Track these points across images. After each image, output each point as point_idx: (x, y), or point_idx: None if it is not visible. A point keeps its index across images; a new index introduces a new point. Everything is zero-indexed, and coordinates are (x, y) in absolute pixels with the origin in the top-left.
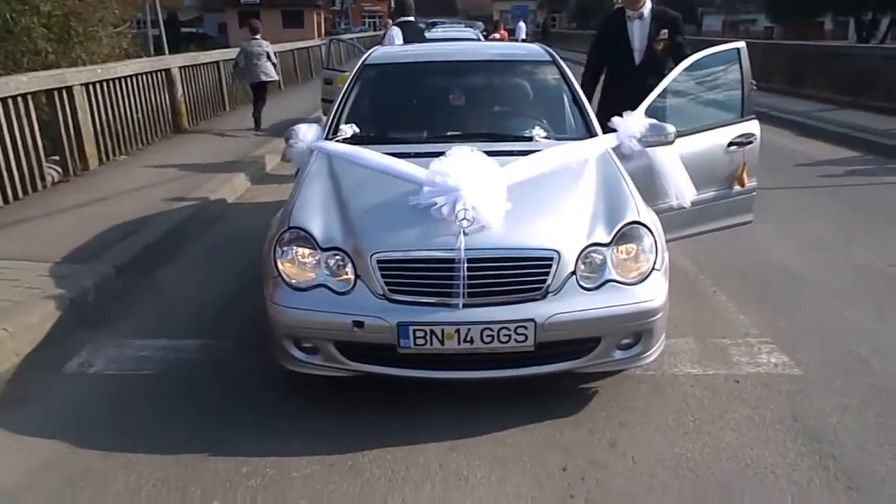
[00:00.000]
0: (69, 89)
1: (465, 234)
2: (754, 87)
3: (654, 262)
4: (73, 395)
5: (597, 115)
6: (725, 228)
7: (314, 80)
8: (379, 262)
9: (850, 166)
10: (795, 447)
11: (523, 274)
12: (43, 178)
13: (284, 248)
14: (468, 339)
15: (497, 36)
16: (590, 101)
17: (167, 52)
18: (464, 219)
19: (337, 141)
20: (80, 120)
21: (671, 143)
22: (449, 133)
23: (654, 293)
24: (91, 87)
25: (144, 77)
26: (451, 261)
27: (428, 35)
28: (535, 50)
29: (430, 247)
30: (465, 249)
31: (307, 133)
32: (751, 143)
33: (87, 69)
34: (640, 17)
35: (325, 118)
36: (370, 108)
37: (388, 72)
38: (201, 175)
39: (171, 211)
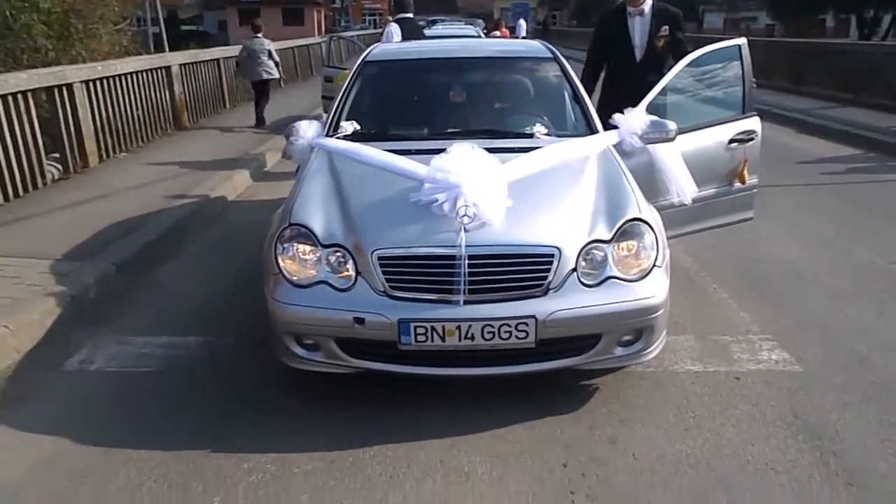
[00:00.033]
0: (69, 86)
1: (465, 230)
2: (754, 85)
3: (656, 259)
4: (74, 392)
5: (597, 112)
6: (726, 225)
7: (314, 78)
8: (380, 258)
9: (851, 164)
10: (796, 444)
11: (524, 271)
12: (43, 176)
13: (285, 245)
14: (469, 335)
15: (498, 34)
16: (590, 97)
17: (167, 49)
18: (465, 215)
19: (338, 138)
20: (80, 117)
21: (672, 139)
22: (450, 130)
23: (655, 290)
24: (91, 84)
25: (145, 74)
26: (452, 257)
27: (428, 33)
28: (536, 46)
29: (430, 243)
30: (466, 246)
31: (308, 130)
32: (752, 139)
33: (88, 66)
34: (641, 13)
35: (325, 115)
36: (371, 104)
37: (389, 68)
38: (201, 172)
39: (172, 208)
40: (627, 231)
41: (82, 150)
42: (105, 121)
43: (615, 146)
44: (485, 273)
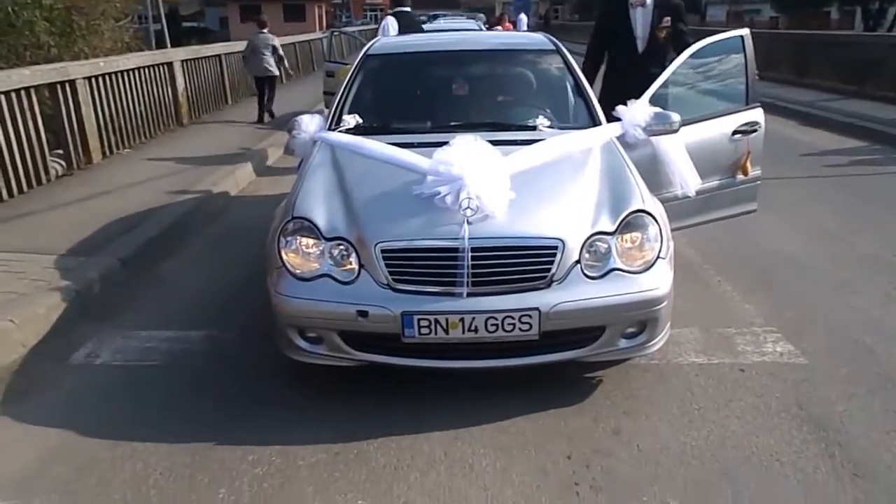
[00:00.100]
0: (72, 83)
1: (468, 223)
2: (757, 77)
3: (659, 251)
4: (80, 386)
5: (599, 104)
6: (730, 218)
7: (316, 74)
8: (383, 251)
9: (855, 156)
10: (801, 435)
11: (527, 263)
12: (47, 172)
13: (288, 239)
14: (472, 328)
15: (500, 29)
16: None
17: (169, 46)
18: (467, 208)
19: (340, 131)
20: (83, 113)
21: (676, 131)
22: (452, 123)
23: (658, 282)
24: (94, 80)
25: (147, 70)
26: (455, 250)
27: (429, 27)
28: (539, 39)
29: (433, 236)
30: (469, 238)
31: (310, 124)
32: (755, 131)
33: (90, 63)
34: (643, 4)
35: (327, 110)
36: (373, 98)
37: (391, 62)
38: (204, 168)
39: (175, 204)
40: (631, 223)
41: (85, 146)
42: (108, 117)
43: (618, 138)
44: (488, 265)
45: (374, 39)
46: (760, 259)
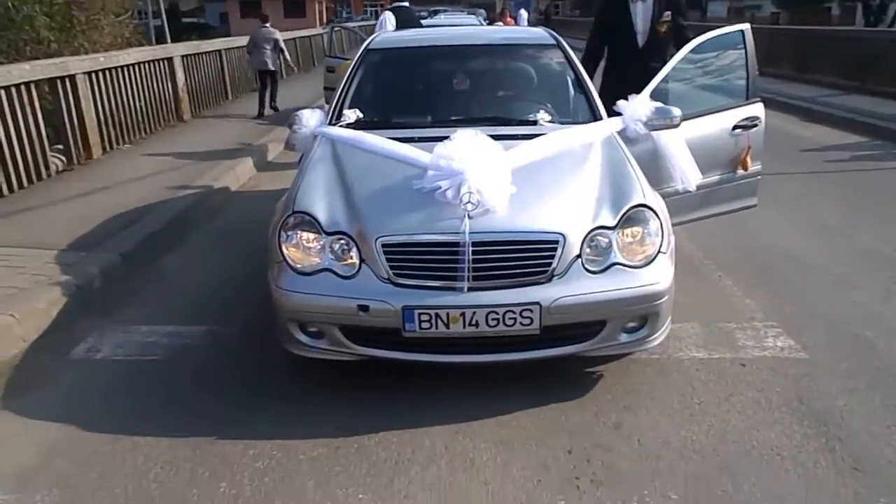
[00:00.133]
0: (72, 78)
1: (469, 217)
2: (757, 73)
3: (660, 245)
4: (81, 381)
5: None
6: (731, 212)
7: (316, 70)
8: (383, 245)
9: (856, 151)
10: (802, 429)
11: (528, 257)
12: (47, 167)
13: (289, 233)
14: (473, 322)
15: (501, 24)
16: None
17: (169, 41)
18: (468, 202)
19: (340, 126)
20: (83, 109)
21: (677, 126)
22: (453, 117)
23: (659, 276)
24: (94, 75)
25: (147, 66)
26: (456, 244)
27: (430, 22)
28: (540, 34)
29: (434, 230)
30: (470, 233)
31: (310, 118)
32: (756, 126)
33: (90, 57)
34: None
35: (328, 106)
36: (374, 92)
37: (392, 56)
38: (204, 163)
39: (175, 199)
40: (632, 217)
41: (86, 141)
42: (108, 112)
43: (619, 133)
44: (489, 260)
45: (375, 34)
46: (761, 254)
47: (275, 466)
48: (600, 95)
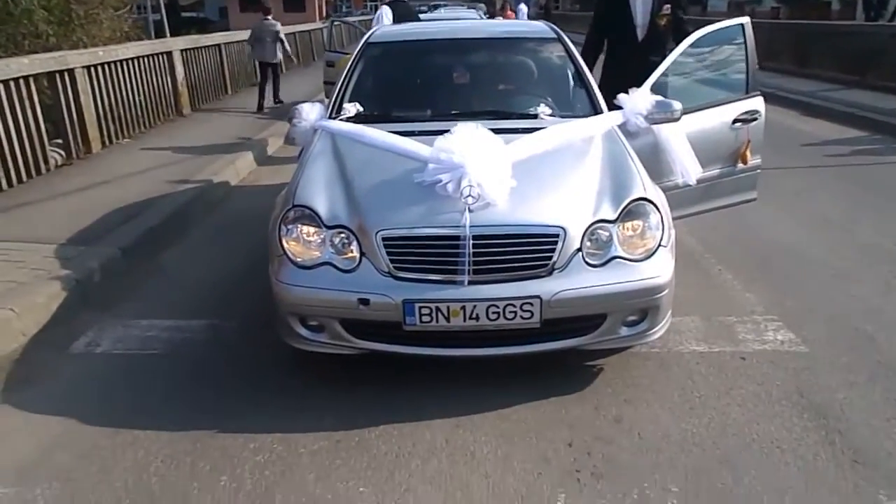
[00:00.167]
0: (71, 72)
1: (470, 210)
2: (757, 67)
3: (661, 239)
4: (81, 375)
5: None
6: (730, 206)
7: (316, 64)
8: (384, 239)
9: (856, 146)
10: (802, 422)
11: (529, 251)
12: (46, 162)
13: (289, 227)
14: (474, 316)
15: (501, 18)
16: None
17: (168, 36)
18: (469, 196)
19: (340, 120)
20: (82, 103)
21: (678, 119)
22: (453, 111)
23: (660, 270)
24: (93, 69)
25: (146, 60)
26: (457, 238)
27: (430, 16)
28: (540, 27)
29: (435, 224)
30: (471, 226)
31: (310, 112)
32: (755, 120)
33: (89, 51)
34: None
35: (327, 100)
36: (374, 86)
37: (392, 50)
38: (204, 157)
39: (175, 193)
40: (633, 211)
41: (85, 135)
42: (107, 106)
43: (620, 126)
44: (489, 253)
45: (377, 27)
46: (761, 248)
47: (275, 460)
48: (600, 89)
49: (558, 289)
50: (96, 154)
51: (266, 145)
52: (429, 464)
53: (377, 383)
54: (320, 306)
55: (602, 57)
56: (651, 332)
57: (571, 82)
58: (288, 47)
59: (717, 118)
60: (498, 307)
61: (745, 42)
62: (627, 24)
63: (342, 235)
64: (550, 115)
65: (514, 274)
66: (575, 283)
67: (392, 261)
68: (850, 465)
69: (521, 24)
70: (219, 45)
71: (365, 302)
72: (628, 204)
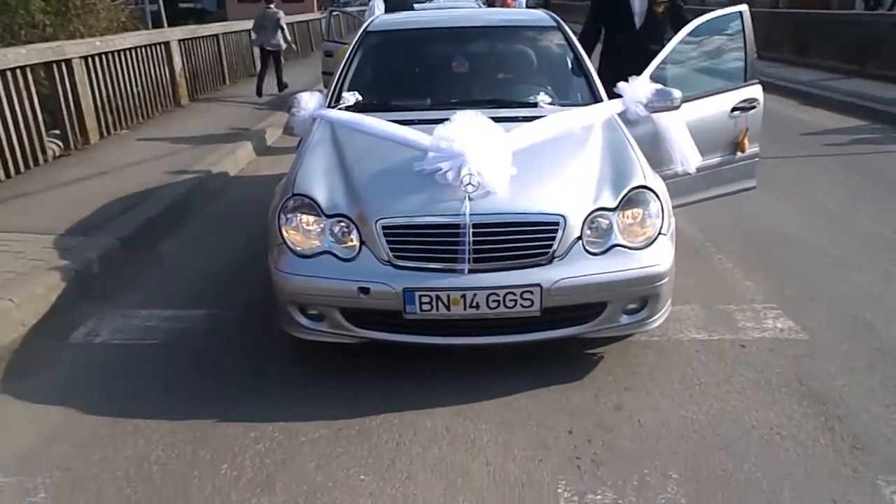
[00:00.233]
0: (68, 62)
1: (470, 199)
2: (756, 56)
3: (661, 227)
4: (80, 365)
5: None
6: (729, 194)
7: (314, 54)
8: (384, 227)
9: (855, 135)
10: (801, 409)
11: (529, 239)
12: (44, 153)
13: (289, 216)
14: (474, 304)
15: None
16: None
17: (166, 26)
18: (469, 184)
19: (340, 109)
20: (79, 93)
21: (677, 108)
22: (453, 100)
23: (660, 258)
24: (90, 59)
25: (144, 50)
26: (457, 226)
27: (427, 6)
28: (540, 16)
29: (435, 212)
30: (471, 214)
31: (309, 101)
32: (754, 108)
33: (86, 42)
34: None
35: (326, 90)
36: (373, 75)
37: (391, 39)
38: (203, 148)
39: (174, 184)
40: (633, 199)
41: (83, 126)
42: (105, 97)
43: (620, 115)
44: (489, 241)
45: (376, 16)
46: (761, 237)
47: (276, 448)
48: (598, 77)
49: (558, 277)
50: (94, 145)
51: (265, 135)
52: (429, 451)
53: (377, 372)
54: (320, 295)
55: (600, 46)
56: (651, 320)
57: (571, 71)
58: (288, 35)
59: (716, 106)
60: (498, 295)
61: (743, 30)
62: (625, 12)
63: (342, 224)
64: (550, 104)
65: (514, 262)
66: (575, 271)
67: (392, 249)
68: (849, 451)
69: (521, 12)
70: (217, 36)
71: (365, 291)
72: (628, 192)
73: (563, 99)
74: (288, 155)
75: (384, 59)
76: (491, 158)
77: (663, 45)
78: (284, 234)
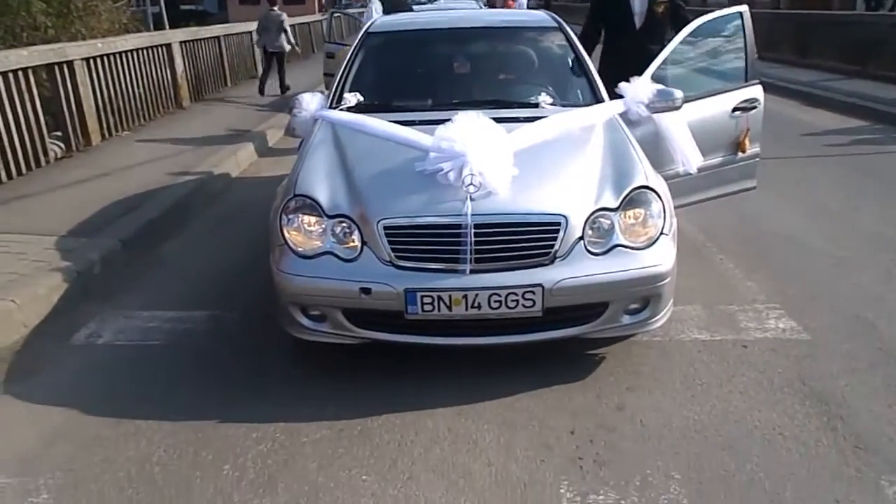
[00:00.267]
0: (70, 64)
1: (471, 199)
2: (756, 56)
3: (663, 227)
4: (82, 365)
5: None
6: (730, 195)
7: (315, 56)
8: (385, 228)
9: (857, 136)
10: (803, 409)
11: (531, 239)
12: (46, 154)
13: (290, 216)
14: (476, 304)
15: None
16: None
17: (167, 28)
18: (470, 184)
19: (341, 110)
20: (81, 95)
21: (679, 108)
22: (454, 100)
23: (662, 258)
24: (92, 61)
25: (145, 52)
26: (458, 226)
27: (428, 8)
28: (541, 16)
29: (436, 213)
30: (472, 215)
31: (311, 102)
32: (755, 108)
33: (88, 43)
34: None
35: (327, 92)
36: (374, 76)
37: (392, 40)
38: (204, 149)
39: (175, 185)
40: (634, 199)
41: (84, 128)
42: (106, 99)
43: (621, 115)
44: (491, 242)
45: (377, 17)
46: (762, 237)
47: (278, 449)
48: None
49: (560, 277)
50: (96, 146)
51: (266, 137)
52: (431, 452)
53: (379, 372)
54: (322, 296)
55: (600, 46)
56: (653, 320)
57: (572, 71)
58: (292, 38)
59: (717, 107)
60: (500, 296)
61: (743, 30)
62: (625, 12)
63: (343, 225)
64: (552, 104)
65: (515, 262)
66: (577, 271)
67: (394, 250)
68: (851, 451)
69: (522, 13)
70: (218, 38)
71: (366, 291)
72: (630, 192)
73: (565, 99)
74: (289, 156)
75: (386, 60)
76: (492, 159)
77: (663, 46)
78: (286, 234)
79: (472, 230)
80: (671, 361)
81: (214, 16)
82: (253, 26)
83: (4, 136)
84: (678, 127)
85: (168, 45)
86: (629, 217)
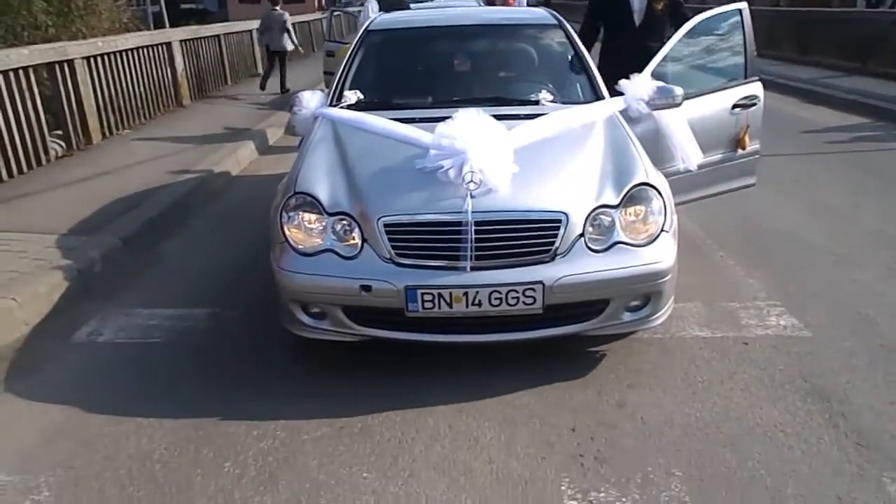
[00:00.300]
0: (70, 62)
1: (472, 196)
2: (755, 54)
3: (663, 224)
4: (83, 363)
5: None
6: (730, 192)
7: (315, 55)
8: (386, 225)
9: (857, 133)
10: (805, 406)
11: (531, 236)
12: (46, 153)
13: (291, 214)
14: (476, 302)
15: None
16: None
17: (168, 27)
18: (471, 181)
19: (341, 107)
20: (82, 94)
21: (679, 105)
22: (454, 98)
23: (662, 255)
24: (92, 60)
25: (146, 50)
26: (459, 224)
27: (428, 6)
28: (541, 14)
29: (436, 210)
30: (473, 212)
31: (311, 100)
32: (754, 105)
33: (88, 42)
34: None
35: (327, 90)
36: (374, 74)
37: (392, 37)
38: (205, 147)
39: (176, 183)
40: (635, 196)
41: (85, 126)
42: (107, 97)
43: (621, 112)
44: (491, 239)
45: (377, 15)
46: (763, 234)
47: (279, 446)
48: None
49: (561, 274)
50: (96, 145)
51: (266, 135)
52: (432, 449)
53: (379, 370)
54: (322, 293)
55: (598, 44)
56: (654, 317)
57: (572, 68)
58: (295, 38)
59: (717, 104)
60: (500, 293)
61: (742, 27)
62: (624, 10)
63: (344, 222)
64: (552, 102)
65: (516, 259)
66: (577, 268)
67: (394, 247)
68: (853, 448)
69: (522, 10)
70: (218, 36)
71: (367, 288)
72: (630, 189)
73: (565, 97)
74: (290, 154)
75: (386, 57)
76: (493, 156)
77: (663, 43)
78: (286, 232)
79: (473, 227)
80: (672, 358)
81: (214, 14)
82: (253, 25)
83: (5, 134)
84: (678, 124)
85: (168, 44)
86: (630, 214)
